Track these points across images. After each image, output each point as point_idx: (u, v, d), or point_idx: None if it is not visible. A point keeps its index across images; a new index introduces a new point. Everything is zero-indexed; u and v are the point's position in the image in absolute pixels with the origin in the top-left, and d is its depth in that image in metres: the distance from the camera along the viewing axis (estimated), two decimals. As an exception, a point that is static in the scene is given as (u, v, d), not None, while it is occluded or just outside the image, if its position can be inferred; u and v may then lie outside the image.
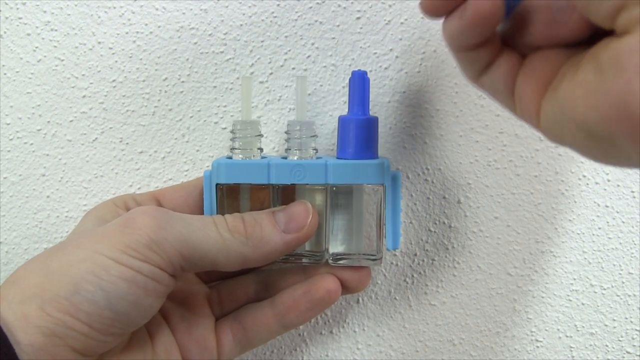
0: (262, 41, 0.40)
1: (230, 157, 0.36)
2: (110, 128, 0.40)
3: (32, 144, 0.40)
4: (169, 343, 0.35)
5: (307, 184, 0.36)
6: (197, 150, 0.41)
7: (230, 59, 0.40)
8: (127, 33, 0.40)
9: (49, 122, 0.40)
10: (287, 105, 0.40)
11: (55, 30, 0.40)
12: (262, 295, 0.38)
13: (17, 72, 0.40)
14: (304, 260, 0.37)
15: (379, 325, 0.42)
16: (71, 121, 0.40)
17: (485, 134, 0.41)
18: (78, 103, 0.40)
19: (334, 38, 0.40)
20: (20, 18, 0.40)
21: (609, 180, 0.41)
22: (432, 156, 0.41)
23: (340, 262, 0.36)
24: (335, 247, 0.36)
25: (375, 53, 0.40)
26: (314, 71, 0.40)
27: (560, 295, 0.42)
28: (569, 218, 0.42)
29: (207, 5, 0.40)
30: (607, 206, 0.41)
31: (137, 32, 0.40)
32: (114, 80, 0.40)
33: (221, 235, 0.32)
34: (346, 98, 0.39)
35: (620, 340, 0.42)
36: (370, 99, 0.37)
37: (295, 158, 0.36)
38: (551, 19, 0.27)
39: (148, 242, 0.30)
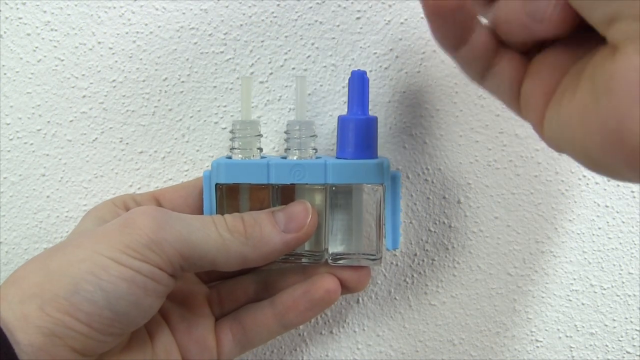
0: (262, 41, 0.40)
1: (229, 157, 0.36)
2: (110, 128, 0.40)
3: (32, 144, 0.40)
4: (169, 343, 0.35)
5: (307, 184, 0.36)
6: (197, 150, 0.41)
7: (230, 59, 0.40)
8: (127, 33, 0.40)
9: (49, 122, 0.40)
10: (287, 105, 0.40)
11: (55, 30, 0.40)
12: (261, 295, 0.38)
13: (17, 72, 0.40)
14: (303, 260, 0.37)
15: (379, 325, 0.42)
16: (71, 121, 0.40)
17: (485, 134, 0.41)
18: (78, 103, 0.40)
19: (334, 38, 0.40)
20: (20, 18, 0.40)
21: (609, 180, 0.41)
22: (432, 156, 0.41)
23: (340, 262, 0.36)
24: (335, 247, 0.36)
25: (375, 53, 0.40)
26: (314, 71, 0.40)
27: (560, 295, 0.42)
28: (569, 218, 0.41)
29: (207, 5, 0.40)
30: (607, 206, 0.41)
31: (137, 32, 0.40)
32: (114, 80, 0.40)
33: (221, 235, 0.32)
34: (346, 98, 0.39)
35: (620, 340, 0.42)
36: (370, 99, 0.37)
37: (295, 158, 0.36)
38: (524, 18, 0.26)
39: (147, 242, 0.30)
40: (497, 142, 0.41)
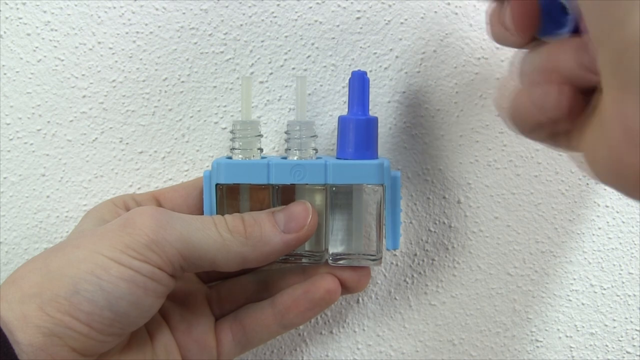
0: (262, 41, 0.40)
1: (230, 157, 0.36)
2: (110, 128, 0.40)
3: (32, 144, 0.40)
4: (169, 343, 0.35)
5: (307, 184, 0.36)
6: (197, 150, 0.41)
7: (230, 59, 0.40)
8: (127, 33, 0.40)
9: (49, 122, 0.40)
10: (287, 105, 0.40)
11: (55, 30, 0.40)
12: (261, 295, 0.38)
13: (17, 72, 0.40)
14: (303, 260, 0.37)
15: (379, 325, 0.42)
16: (71, 121, 0.40)
17: (485, 134, 0.41)
18: (78, 103, 0.40)
19: (334, 38, 0.40)
20: (20, 18, 0.40)
21: (609, 180, 0.41)
22: (432, 156, 0.41)
23: (340, 262, 0.36)
24: (335, 247, 0.36)
25: (375, 53, 0.40)
26: (314, 71, 0.40)
27: (560, 295, 0.42)
28: (569, 218, 0.41)
29: (207, 5, 0.40)
30: (607, 206, 0.41)
31: (137, 32, 0.40)
32: (114, 80, 0.40)
33: (221, 236, 0.32)
34: (346, 98, 0.39)
35: (620, 340, 0.42)
36: (370, 99, 0.37)
37: (295, 158, 0.36)
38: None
39: (148, 242, 0.30)
40: (498, 142, 0.41)
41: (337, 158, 0.36)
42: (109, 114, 0.40)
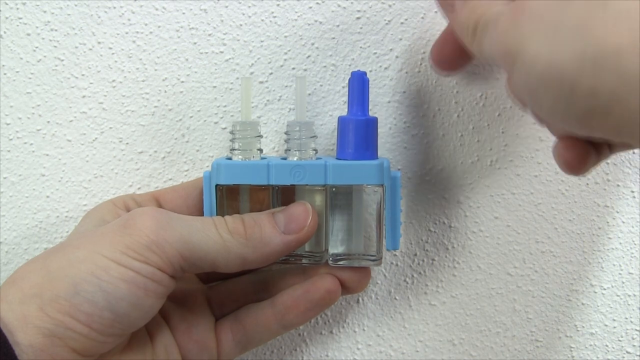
0: (261, 41, 0.40)
1: (229, 158, 0.36)
2: (110, 128, 0.40)
3: (32, 144, 0.40)
4: (169, 343, 0.35)
5: (307, 185, 0.35)
6: (197, 150, 0.41)
7: (230, 59, 0.40)
8: (127, 33, 0.40)
9: (49, 122, 0.40)
10: (287, 105, 0.40)
11: (55, 30, 0.40)
12: (261, 295, 0.38)
13: (17, 72, 0.40)
14: (303, 261, 0.37)
15: (379, 325, 0.42)
16: (71, 121, 0.40)
17: (486, 133, 0.41)
18: (78, 103, 0.40)
19: (334, 38, 0.40)
20: (20, 18, 0.40)
21: (608, 180, 0.41)
22: (432, 156, 0.41)
23: (340, 262, 0.36)
24: (335, 247, 0.36)
25: (375, 53, 0.40)
26: (314, 71, 0.40)
27: (560, 295, 0.42)
28: (569, 218, 0.41)
29: (207, 5, 0.40)
30: (607, 206, 0.41)
31: (137, 32, 0.40)
32: (113, 80, 0.40)
33: (221, 237, 0.32)
34: (346, 98, 0.39)
35: (620, 340, 0.42)
36: (370, 99, 0.37)
37: (295, 159, 0.36)
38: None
39: (148, 243, 0.30)
40: (498, 142, 0.41)
41: (337, 158, 0.36)
42: (108, 114, 0.40)
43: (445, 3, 0.34)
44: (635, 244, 0.42)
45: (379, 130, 0.36)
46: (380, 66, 0.40)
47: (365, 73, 0.36)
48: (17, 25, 0.40)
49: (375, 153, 0.36)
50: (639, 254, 0.42)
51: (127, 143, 0.41)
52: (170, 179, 0.41)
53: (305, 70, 0.40)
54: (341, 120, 0.36)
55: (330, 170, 0.35)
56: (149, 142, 0.41)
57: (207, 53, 0.40)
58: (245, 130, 0.36)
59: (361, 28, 0.40)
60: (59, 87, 0.40)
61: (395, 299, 0.42)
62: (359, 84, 0.36)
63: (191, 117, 0.40)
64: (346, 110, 0.37)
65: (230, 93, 0.40)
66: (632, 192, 0.41)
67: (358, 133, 0.35)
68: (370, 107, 0.37)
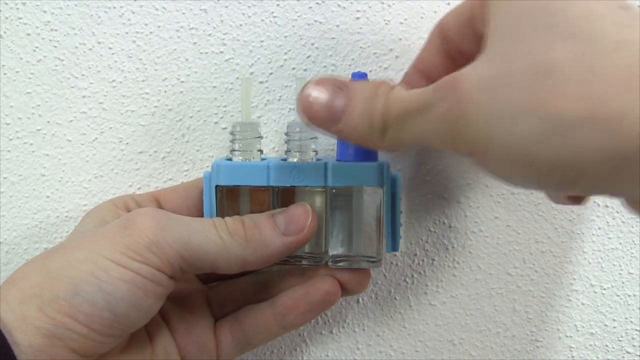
0: (261, 41, 0.40)
1: (229, 159, 0.36)
2: (110, 128, 0.40)
3: (32, 144, 0.40)
4: (168, 344, 0.35)
5: (307, 186, 0.35)
6: (197, 150, 0.41)
7: (230, 59, 0.40)
8: (127, 33, 0.40)
9: (49, 122, 0.40)
10: (287, 106, 0.40)
11: (55, 30, 0.40)
12: (261, 296, 0.38)
13: (17, 72, 0.40)
14: (303, 262, 0.37)
15: (379, 325, 0.42)
16: (71, 121, 0.40)
17: (485, 134, 0.41)
18: (78, 103, 0.40)
19: (334, 38, 0.40)
20: (20, 18, 0.40)
21: (609, 181, 0.41)
22: (432, 156, 0.41)
23: (340, 264, 0.36)
24: (335, 249, 0.36)
25: (375, 53, 0.40)
26: (314, 71, 0.40)
27: (560, 295, 0.42)
28: (569, 218, 0.41)
29: (207, 5, 0.40)
30: (607, 206, 0.41)
31: (137, 32, 0.40)
32: (113, 80, 0.40)
33: (221, 238, 0.32)
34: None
35: (620, 340, 0.42)
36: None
37: (295, 160, 0.36)
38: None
39: (148, 244, 0.30)
40: (498, 143, 0.41)
41: (337, 160, 0.36)
42: (108, 114, 0.40)
43: (329, 119, 0.30)
44: (635, 244, 0.42)
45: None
46: (380, 66, 0.40)
47: (366, 74, 0.35)
48: (17, 25, 0.40)
49: (376, 154, 0.36)
50: (639, 254, 0.42)
51: (127, 143, 0.41)
52: (170, 179, 0.41)
53: (305, 70, 0.40)
54: (341, 121, 0.36)
55: (330, 171, 0.35)
56: (149, 142, 0.41)
57: (207, 53, 0.40)
58: (246, 131, 0.36)
59: (361, 28, 0.40)
60: (59, 87, 0.40)
61: (395, 299, 0.42)
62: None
63: (191, 117, 0.40)
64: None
65: (230, 93, 0.40)
66: (632, 192, 0.41)
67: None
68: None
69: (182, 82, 0.40)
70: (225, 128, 0.41)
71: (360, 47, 0.40)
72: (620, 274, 0.42)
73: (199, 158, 0.41)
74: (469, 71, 0.25)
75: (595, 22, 0.22)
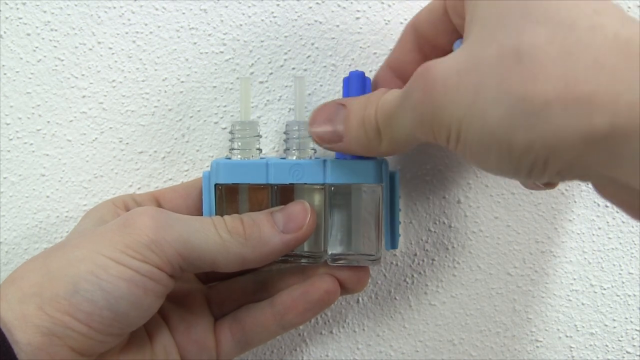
0: (261, 41, 0.40)
1: (229, 158, 0.36)
2: (110, 128, 0.40)
3: (32, 144, 0.40)
4: (168, 343, 0.35)
5: (306, 184, 0.36)
6: (197, 150, 0.41)
7: (230, 59, 0.40)
8: (127, 33, 0.40)
9: (49, 122, 0.40)
10: (287, 105, 0.40)
11: (55, 30, 0.40)
12: (261, 295, 0.38)
13: (17, 72, 0.40)
14: (302, 260, 0.37)
15: (379, 325, 0.42)
16: (71, 121, 0.40)
17: (485, 133, 0.41)
18: (78, 103, 0.40)
19: (334, 38, 0.40)
20: (20, 18, 0.40)
21: (609, 180, 0.41)
22: (432, 156, 0.41)
23: (339, 262, 0.36)
24: (334, 247, 0.36)
25: (375, 53, 0.40)
26: (314, 71, 0.40)
27: (560, 295, 0.42)
28: (569, 218, 0.41)
29: (207, 5, 0.40)
30: (607, 206, 0.41)
31: (137, 32, 0.40)
32: (113, 80, 0.40)
33: (220, 236, 0.32)
34: (346, 98, 0.39)
35: (620, 340, 0.42)
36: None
37: (294, 158, 0.36)
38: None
39: (147, 242, 0.30)
40: (497, 142, 0.41)
41: (336, 158, 0.36)
42: (108, 114, 0.40)
43: (334, 140, 0.33)
44: (635, 244, 0.42)
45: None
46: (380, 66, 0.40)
47: (363, 73, 0.35)
48: (17, 25, 0.40)
49: (375, 153, 0.36)
50: (639, 254, 0.42)
51: (127, 143, 0.41)
52: (170, 179, 0.41)
53: (305, 70, 0.40)
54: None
55: (328, 169, 0.35)
56: (149, 142, 0.41)
57: (207, 53, 0.40)
58: (245, 130, 0.36)
59: (361, 28, 0.40)
60: (59, 87, 0.40)
61: (395, 299, 0.42)
62: (359, 84, 0.35)
63: (191, 117, 0.40)
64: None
65: (230, 93, 0.40)
66: (632, 192, 0.41)
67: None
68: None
69: (182, 82, 0.40)
70: (225, 128, 0.41)
71: (360, 47, 0.40)
72: (620, 274, 0.42)
73: (199, 158, 0.41)
74: (444, 60, 0.26)
75: (569, 8, 0.23)
